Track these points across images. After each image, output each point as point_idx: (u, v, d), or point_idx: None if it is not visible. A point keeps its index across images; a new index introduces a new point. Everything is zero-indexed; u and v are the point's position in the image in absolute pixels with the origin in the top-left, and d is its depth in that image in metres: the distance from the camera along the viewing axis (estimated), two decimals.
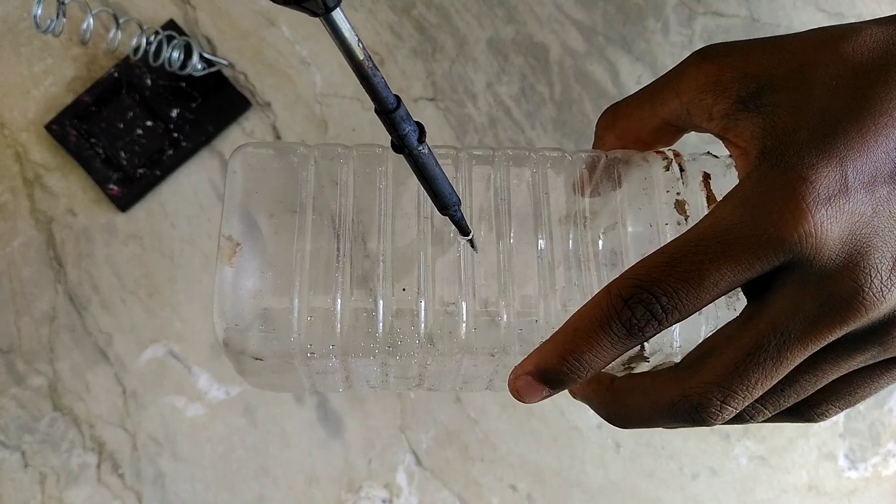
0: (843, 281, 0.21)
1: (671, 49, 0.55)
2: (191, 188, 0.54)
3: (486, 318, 0.29)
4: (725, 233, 0.22)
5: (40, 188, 0.54)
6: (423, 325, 0.29)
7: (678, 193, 0.31)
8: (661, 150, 0.32)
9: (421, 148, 0.28)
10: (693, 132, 0.29)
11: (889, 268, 0.21)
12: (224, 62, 0.54)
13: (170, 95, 0.53)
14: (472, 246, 0.32)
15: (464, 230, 0.31)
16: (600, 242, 0.31)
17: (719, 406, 0.23)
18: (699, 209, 0.31)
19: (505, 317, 0.29)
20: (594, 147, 0.32)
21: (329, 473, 0.53)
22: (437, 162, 0.29)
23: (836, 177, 0.21)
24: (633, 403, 0.26)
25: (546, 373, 0.24)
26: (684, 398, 0.23)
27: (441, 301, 0.30)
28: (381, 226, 0.31)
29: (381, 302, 0.29)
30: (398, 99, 0.27)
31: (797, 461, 0.54)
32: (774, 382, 0.23)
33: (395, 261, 0.30)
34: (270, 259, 0.29)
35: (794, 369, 0.23)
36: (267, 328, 0.28)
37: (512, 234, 0.31)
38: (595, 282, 0.30)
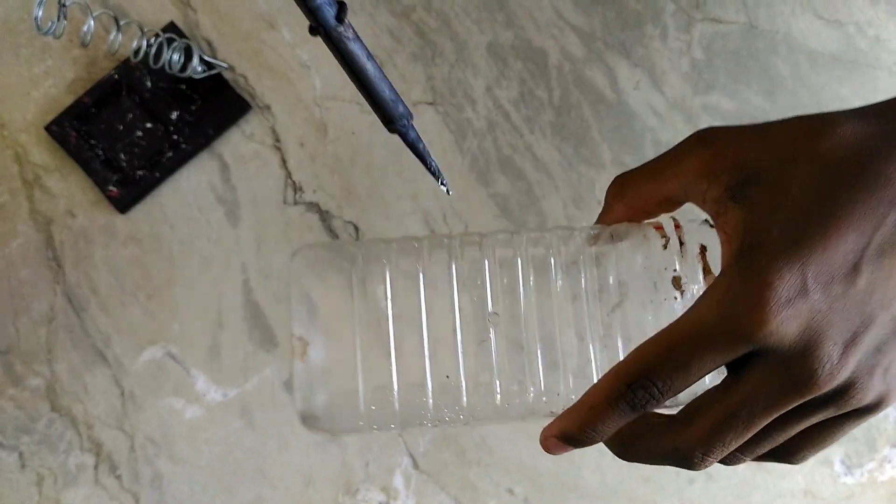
0: (801, 366, 0.25)
1: (669, 55, 0.55)
2: (190, 190, 0.54)
3: (516, 389, 0.34)
4: (706, 330, 0.26)
5: (40, 189, 0.54)
6: (464, 399, 0.34)
7: (675, 270, 0.33)
8: (661, 224, 0.34)
9: (342, 30, 0.24)
10: None
11: (839, 353, 0.25)
12: (224, 65, 0.54)
13: (170, 98, 0.53)
14: (443, 184, 0.31)
15: (420, 154, 0.29)
16: (608, 319, 0.34)
17: (701, 458, 0.28)
18: (697, 282, 0.33)
19: (532, 391, 0.34)
20: (603, 213, 0.35)
21: (326, 476, 0.53)
22: (370, 55, 0.25)
23: (797, 281, 0.25)
24: (636, 446, 0.30)
25: (569, 437, 0.30)
26: (675, 450, 0.28)
27: (477, 380, 0.34)
28: (422, 317, 0.34)
29: (430, 383, 0.34)
30: None
31: (793, 466, 0.54)
32: (746, 439, 0.27)
33: (437, 348, 0.34)
34: (333, 354, 0.33)
35: (766, 426, 0.27)
36: (335, 414, 0.34)
37: (532, 314, 0.34)
38: (604, 357, 0.34)
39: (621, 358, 0.31)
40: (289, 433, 0.53)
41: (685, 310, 0.28)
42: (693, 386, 0.28)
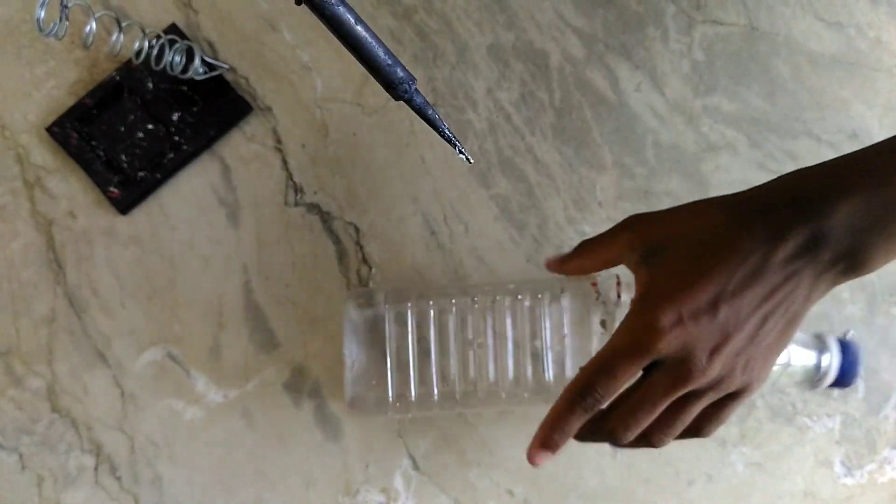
0: (682, 367, 0.39)
1: (670, 57, 0.55)
2: (191, 192, 0.54)
3: (492, 388, 0.49)
4: (621, 349, 0.39)
5: (41, 190, 0.54)
6: (458, 396, 0.50)
7: (603, 315, 0.48)
8: (596, 282, 0.48)
9: None
10: None
11: (706, 358, 0.38)
12: (225, 66, 0.54)
13: (171, 99, 0.53)
14: (461, 152, 0.36)
15: (428, 118, 0.29)
16: (558, 346, 0.49)
17: (622, 433, 0.40)
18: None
19: (503, 392, 0.49)
20: (565, 261, 0.46)
21: (327, 477, 0.53)
22: (359, 19, 0.23)
23: (675, 315, 0.38)
24: (586, 433, 0.42)
25: (545, 442, 0.42)
26: (608, 430, 0.41)
27: (466, 382, 0.49)
28: (431, 346, 0.49)
29: (436, 391, 0.49)
30: None
31: (793, 468, 0.54)
32: (654, 418, 0.40)
33: (441, 364, 0.49)
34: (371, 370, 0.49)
35: (666, 409, 0.40)
36: (372, 408, 0.49)
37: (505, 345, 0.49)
38: (556, 370, 0.49)
39: (568, 370, 0.48)
40: (289, 435, 0.53)
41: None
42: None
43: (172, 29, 0.54)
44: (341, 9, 0.24)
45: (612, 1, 0.55)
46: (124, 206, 0.53)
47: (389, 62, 0.26)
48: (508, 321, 0.49)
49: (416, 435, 0.54)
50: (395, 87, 0.26)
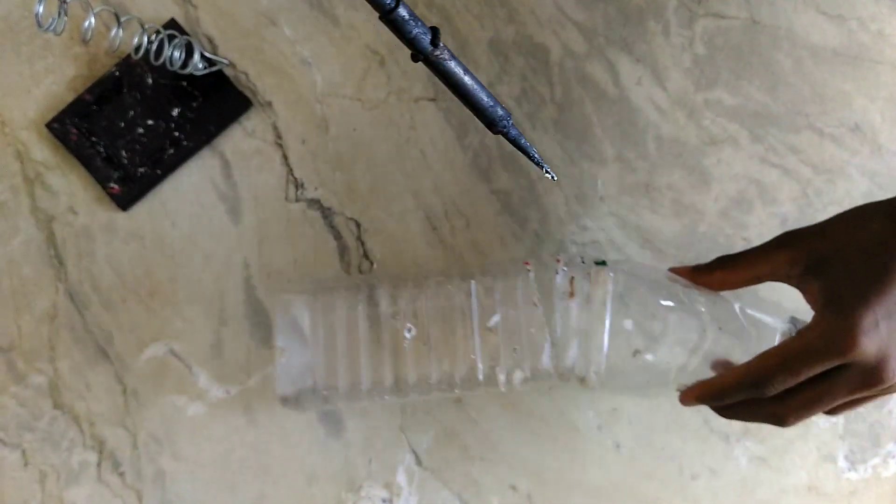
0: (874, 373, 0.39)
1: (672, 51, 0.55)
2: (192, 187, 0.54)
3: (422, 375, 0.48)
4: (813, 350, 0.39)
5: (41, 187, 0.54)
6: (389, 383, 0.48)
7: (535, 292, 0.47)
8: (529, 262, 0.48)
9: (439, 53, 0.26)
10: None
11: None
12: (225, 61, 0.54)
13: (171, 94, 0.53)
14: (547, 171, 0.34)
15: (522, 147, 0.31)
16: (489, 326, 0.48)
17: (791, 422, 0.42)
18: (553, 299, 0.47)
19: (435, 376, 0.48)
20: (703, 273, 0.47)
21: (329, 473, 0.53)
22: (466, 69, 0.27)
23: (873, 318, 0.38)
24: (743, 410, 0.44)
25: (702, 398, 0.44)
26: (773, 414, 0.42)
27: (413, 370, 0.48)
28: (360, 336, 0.48)
29: (364, 381, 0.48)
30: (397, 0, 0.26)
31: (797, 462, 0.54)
32: (829, 407, 0.41)
33: (375, 354, 0.48)
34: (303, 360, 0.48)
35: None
36: (302, 401, 0.48)
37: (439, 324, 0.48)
38: (485, 349, 0.48)
39: (501, 357, 0.47)
40: (292, 430, 0.53)
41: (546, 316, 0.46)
42: None
43: (171, 24, 0.53)
44: (453, 63, 0.28)
45: None
46: (125, 202, 0.53)
47: (491, 104, 0.29)
48: (440, 307, 0.48)
49: (419, 430, 0.54)
50: (495, 125, 0.29)
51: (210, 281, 0.54)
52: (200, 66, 0.52)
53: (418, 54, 0.26)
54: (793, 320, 0.47)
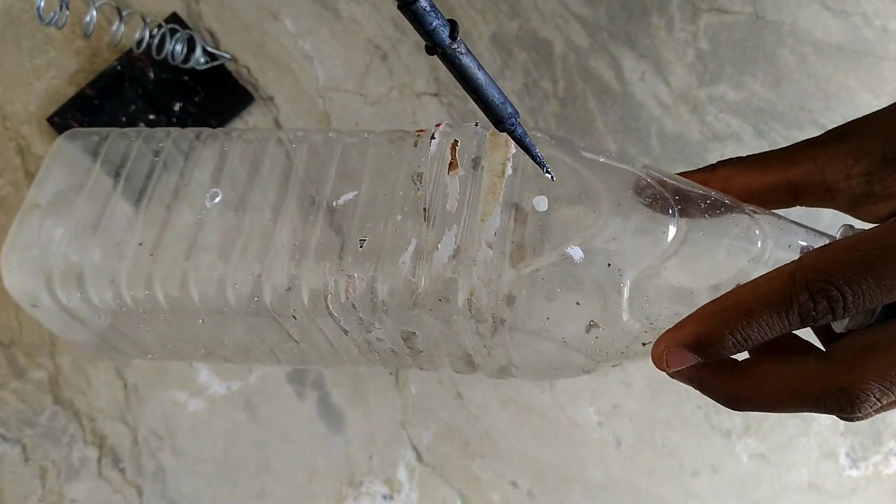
0: None
1: (675, 45, 0.55)
2: None
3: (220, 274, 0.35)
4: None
5: None
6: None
7: (419, 166, 0.34)
8: (422, 129, 0.36)
9: (456, 46, 0.26)
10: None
11: None
12: (227, 56, 0.54)
13: (173, 89, 0.53)
14: (547, 171, 0.31)
15: (526, 147, 0.30)
16: (336, 206, 0.35)
17: (874, 402, 0.25)
18: (438, 176, 0.34)
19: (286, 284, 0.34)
20: (701, 172, 0.33)
21: (330, 468, 0.53)
22: (480, 65, 0.27)
23: None
24: (768, 389, 0.27)
25: (707, 345, 0.26)
26: (841, 390, 0.25)
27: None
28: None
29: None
30: None
31: (798, 459, 0.54)
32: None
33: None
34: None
35: None
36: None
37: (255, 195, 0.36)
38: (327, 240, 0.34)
39: (353, 236, 0.33)
40: (292, 426, 0.53)
41: (429, 200, 0.32)
42: None
43: (173, 18, 0.53)
44: (468, 58, 0.28)
45: None
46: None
47: (501, 101, 0.29)
48: (271, 165, 0.36)
49: (420, 426, 0.53)
50: (503, 122, 0.29)
51: None
52: (202, 60, 0.52)
53: (435, 47, 0.26)
54: (848, 230, 0.30)
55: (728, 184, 0.32)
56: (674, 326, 0.27)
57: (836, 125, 0.54)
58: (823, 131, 0.53)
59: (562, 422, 0.54)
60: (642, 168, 0.32)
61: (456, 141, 0.34)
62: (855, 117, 0.54)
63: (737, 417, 0.54)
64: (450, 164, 0.34)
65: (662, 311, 0.30)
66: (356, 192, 0.34)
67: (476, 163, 0.34)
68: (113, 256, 0.35)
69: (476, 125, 0.36)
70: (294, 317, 0.34)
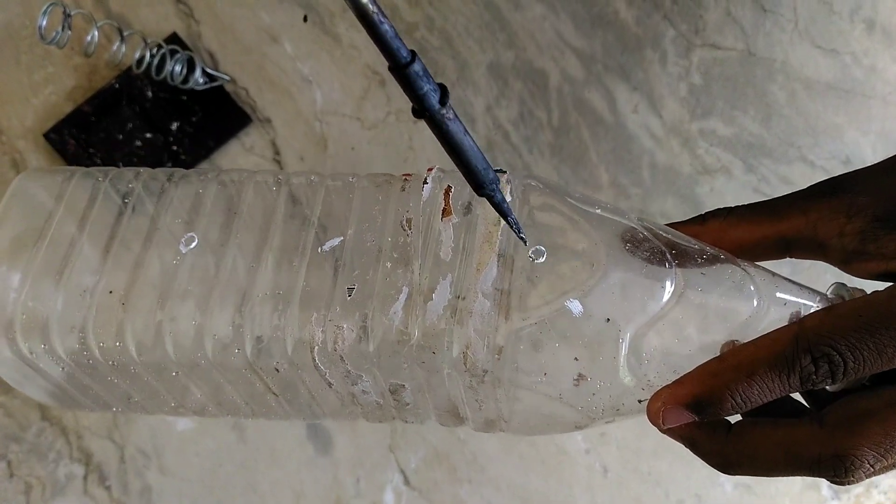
0: None
1: (668, 80, 0.56)
2: None
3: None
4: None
5: None
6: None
7: (407, 211, 0.32)
8: (408, 173, 0.34)
9: (444, 112, 0.25)
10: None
11: None
12: (226, 77, 0.54)
13: (171, 108, 0.53)
14: (521, 235, 0.29)
15: (503, 212, 0.29)
16: (321, 252, 0.32)
17: (868, 469, 0.26)
18: (430, 222, 0.33)
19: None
20: (691, 224, 0.33)
21: (317, 491, 0.53)
22: (466, 130, 0.26)
23: None
24: (763, 454, 0.27)
25: (706, 405, 0.27)
26: (836, 457, 0.26)
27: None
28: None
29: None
30: (413, 53, 0.25)
31: (781, 490, 0.55)
32: None
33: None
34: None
35: None
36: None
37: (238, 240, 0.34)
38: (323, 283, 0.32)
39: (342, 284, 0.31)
40: (280, 448, 0.53)
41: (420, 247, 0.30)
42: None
43: (173, 38, 0.54)
44: (455, 124, 0.27)
45: (612, 23, 0.56)
46: None
47: (484, 167, 0.27)
48: (249, 204, 0.34)
49: (408, 450, 0.54)
50: (483, 188, 0.28)
51: None
52: (201, 81, 0.52)
53: (424, 111, 0.25)
54: (841, 288, 0.30)
55: (719, 237, 0.31)
56: (673, 383, 0.28)
57: (823, 161, 0.55)
58: (811, 168, 0.54)
59: (549, 448, 0.54)
60: (637, 220, 0.32)
61: (449, 186, 0.33)
62: (842, 154, 0.55)
63: None
64: (443, 211, 0.32)
65: (660, 367, 0.29)
66: (342, 238, 0.32)
67: (468, 209, 0.32)
68: (79, 304, 0.32)
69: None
70: (277, 370, 0.32)
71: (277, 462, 0.53)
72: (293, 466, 0.53)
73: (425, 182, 0.33)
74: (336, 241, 0.32)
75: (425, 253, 0.31)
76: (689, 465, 0.54)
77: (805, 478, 0.54)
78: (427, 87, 0.25)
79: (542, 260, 0.30)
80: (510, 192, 0.32)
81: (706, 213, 0.32)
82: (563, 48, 0.56)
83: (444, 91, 0.26)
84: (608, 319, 0.29)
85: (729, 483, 0.54)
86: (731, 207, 0.32)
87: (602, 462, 0.54)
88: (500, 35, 0.56)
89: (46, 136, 0.53)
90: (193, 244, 0.33)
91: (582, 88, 0.56)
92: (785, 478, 0.53)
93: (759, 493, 0.54)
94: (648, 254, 0.30)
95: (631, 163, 0.55)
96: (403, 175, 0.34)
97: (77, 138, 0.53)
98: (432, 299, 0.30)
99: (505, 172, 0.33)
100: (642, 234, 0.30)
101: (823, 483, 0.55)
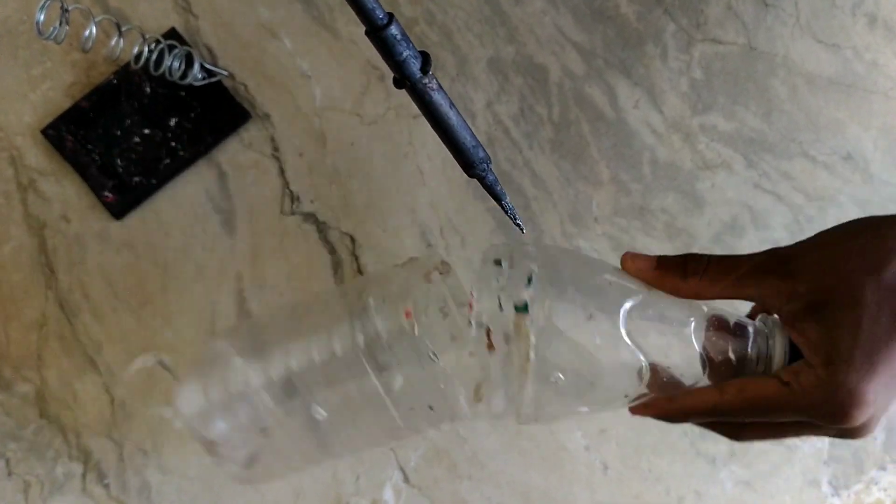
0: (853, 433, 0.36)
1: (669, 74, 0.55)
2: (186, 198, 0.54)
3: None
4: (800, 408, 0.35)
5: (34, 193, 0.53)
6: None
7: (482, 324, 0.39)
8: (409, 311, 0.40)
9: (427, 81, 0.24)
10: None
11: (878, 422, 0.36)
12: (224, 73, 0.54)
13: (169, 104, 0.53)
14: (517, 222, 0.32)
15: (496, 195, 0.29)
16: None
17: (747, 441, 0.41)
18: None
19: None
20: (672, 283, 0.39)
21: (316, 488, 0.53)
22: (452, 104, 0.26)
23: (873, 389, 0.33)
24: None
25: (659, 417, 0.39)
26: (736, 435, 0.41)
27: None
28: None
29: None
30: (390, 16, 0.24)
31: (781, 487, 0.55)
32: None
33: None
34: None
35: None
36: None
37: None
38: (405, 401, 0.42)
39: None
40: None
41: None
42: None
43: (172, 34, 0.53)
44: (439, 94, 0.25)
45: (613, 18, 0.56)
46: (118, 211, 0.53)
47: (473, 144, 0.27)
48: (343, 389, 0.42)
49: (408, 447, 0.53)
50: (474, 167, 0.27)
51: (202, 292, 0.53)
52: (200, 76, 0.52)
53: (404, 80, 0.24)
54: (764, 320, 0.39)
55: (697, 293, 0.39)
56: (642, 404, 0.39)
57: (825, 157, 0.55)
58: (812, 163, 0.54)
59: (550, 445, 0.54)
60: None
61: (489, 329, 0.38)
62: (844, 149, 0.54)
63: (722, 444, 0.54)
64: (487, 346, 0.38)
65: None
66: (401, 378, 0.41)
67: (507, 338, 0.38)
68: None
69: (500, 305, 0.38)
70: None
71: None
72: None
73: (470, 323, 0.38)
74: (400, 382, 0.41)
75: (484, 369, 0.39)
76: (689, 463, 0.54)
77: (806, 474, 0.54)
78: (406, 53, 0.24)
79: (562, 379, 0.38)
80: (534, 335, 0.38)
81: (687, 267, 0.39)
82: (564, 43, 0.55)
83: (425, 58, 0.25)
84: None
85: (729, 480, 0.54)
86: (707, 265, 0.39)
87: (602, 459, 0.54)
88: (500, 30, 0.55)
89: (44, 132, 0.53)
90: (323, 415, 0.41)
91: (582, 84, 0.55)
92: (784, 475, 0.54)
93: (759, 489, 0.54)
94: None
95: (632, 158, 0.55)
96: (406, 313, 0.40)
97: (75, 134, 0.53)
98: (492, 400, 0.39)
99: (526, 310, 0.38)
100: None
101: (824, 479, 0.55)
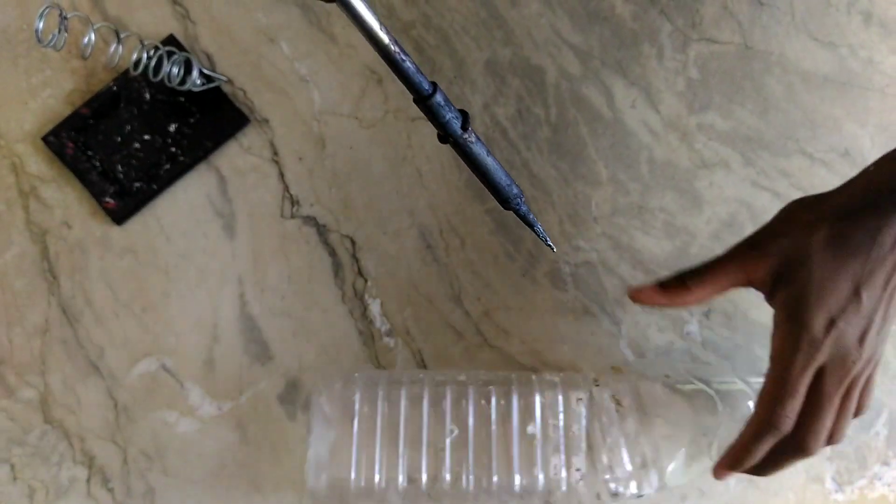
0: (844, 364, 0.42)
1: (665, 74, 0.56)
2: (187, 203, 0.54)
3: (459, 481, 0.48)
4: (795, 368, 0.42)
5: (35, 200, 0.54)
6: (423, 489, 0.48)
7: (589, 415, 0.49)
8: (581, 398, 0.49)
9: (467, 136, 0.27)
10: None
11: (859, 346, 0.42)
12: (223, 78, 0.54)
13: (168, 110, 0.53)
14: (548, 243, 0.38)
15: (530, 223, 0.32)
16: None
17: (815, 443, 0.44)
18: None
19: (470, 481, 0.48)
20: (680, 295, 0.46)
21: None
22: (488, 151, 0.29)
23: (826, 319, 0.41)
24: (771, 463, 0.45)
25: (733, 465, 0.45)
26: (798, 447, 0.44)
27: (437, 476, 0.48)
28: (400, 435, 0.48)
29: (401, 479, 0.48)
30: (434, 85, 0.27)
31: (785, 483, 0.55)
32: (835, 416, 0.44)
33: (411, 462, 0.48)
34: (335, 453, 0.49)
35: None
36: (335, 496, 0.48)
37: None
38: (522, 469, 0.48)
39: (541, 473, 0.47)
40: (283, 447, 0.53)
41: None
42: None
43: (170, 40, 0.54)
44: (478, 146, 0.30)
45: (608, 18, 0.56)
46: (120, 216, 0.53)
47: (507, 183, 0.31)
48: (492, 412, 0.48)
49: None
50: (510, 202, 0.31)
51: (203, 296, 0.54)
52: (199, 82, 0.52)
53: (448, 137, 0.27)
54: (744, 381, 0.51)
55: (699, 298, 0.46)
56: (723, 455, 0.46)
57: (822, 154, 0.55)
58: (810, 160, 0.55)
59: None
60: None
61: (618, 400, 0.49)
62: (841, 146, 0.55)
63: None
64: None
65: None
66: (539, 425, 0.49)
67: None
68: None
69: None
70: None
71: (280, 461, 0.53)
72: (296, 466, 0.53)
73: (618, 404, 0.49)
74: (537, 428, 0.48)
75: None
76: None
77: (809, 471, 0.54)
78: (449, 116, 0.27)
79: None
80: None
81: (686, 278, 0.46)
82: (560, 44, 0.56)
83: (465, 117, 0.28)
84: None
85: (733, 478, 0.54)
86: (693, 276, 0.46)
87: None
88: (496, 32, 0.55)
89: (45, 139, 0.53)
90: (454, 434, 0.48)
91: (579, 84, 0.56)
92: (788, 471, 0.54)
93: (763, 487, 0.54)
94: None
95: (629, 158, 0.55)
96: (577, 398, 0.49)
97: (75, 141, 0.53)
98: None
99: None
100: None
101: (827, 475, 0.55)
